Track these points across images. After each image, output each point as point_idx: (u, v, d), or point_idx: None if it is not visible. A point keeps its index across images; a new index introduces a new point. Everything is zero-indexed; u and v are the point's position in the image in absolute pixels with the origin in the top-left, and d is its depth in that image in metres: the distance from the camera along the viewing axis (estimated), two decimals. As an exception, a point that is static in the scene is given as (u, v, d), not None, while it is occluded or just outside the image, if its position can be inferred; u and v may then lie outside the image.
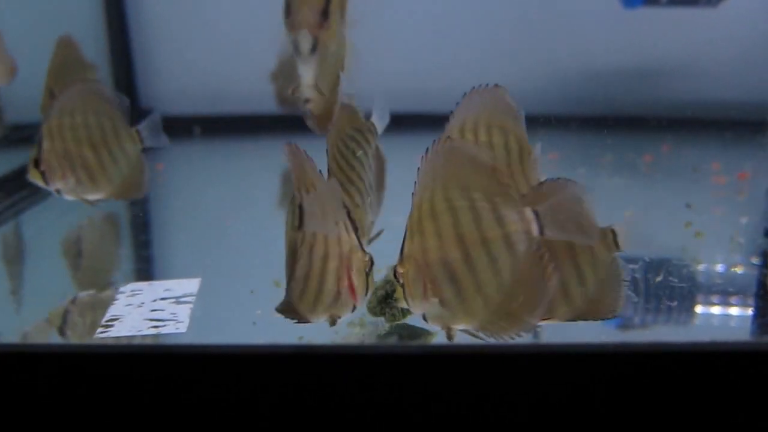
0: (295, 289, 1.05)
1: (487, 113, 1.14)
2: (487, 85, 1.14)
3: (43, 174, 1.57)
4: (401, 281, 1.04)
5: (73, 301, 1.42)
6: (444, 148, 1.01)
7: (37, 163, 1.56)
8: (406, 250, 1.03)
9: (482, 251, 0.99)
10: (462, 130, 1.14)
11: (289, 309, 1.06)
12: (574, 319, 1.07)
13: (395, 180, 1.34)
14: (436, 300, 1.01)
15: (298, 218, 1.05)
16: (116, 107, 1.60)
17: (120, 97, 1.62)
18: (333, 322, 1.08)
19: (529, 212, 0.99)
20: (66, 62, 1.81)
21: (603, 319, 1.08)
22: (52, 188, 1.58)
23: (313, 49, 0.96)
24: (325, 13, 0.94)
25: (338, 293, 1.05)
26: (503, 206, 1.00)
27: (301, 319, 1.07)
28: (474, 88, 1.14)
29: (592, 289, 1.06)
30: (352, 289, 1.05)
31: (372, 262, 1.08)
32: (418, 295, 1.02)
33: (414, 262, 1.02)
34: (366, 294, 1.08)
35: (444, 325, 1.04)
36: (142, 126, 1.62)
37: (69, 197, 1.60)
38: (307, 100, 1.00)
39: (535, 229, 0.99)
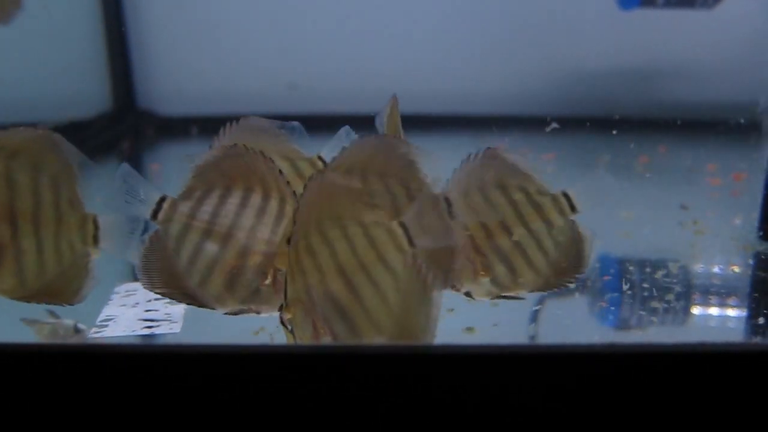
0: (194, 274, 1.07)
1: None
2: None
3: None
4: (290, 327, 0.99)
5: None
6: (315, 184, 0.96)
7: None
8: (289, 293, 0.97)
9: (363, 277, 0.95)
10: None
11: (180, 294, 1.07)
12: (543, 289, 1.09)
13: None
14: (328, 338, 0.96)
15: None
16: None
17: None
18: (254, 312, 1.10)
19: (396, 227, 0.96)
20: None
21: (569, 283, 1.10)
22: None
23: None
24: None
25: (257, 290, 1.07)
26: (373, 228, 0.96)
27: (202, 306, 1.08)
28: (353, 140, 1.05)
29: (554, 253, 1.07)
30: (275, 287, 1.06)
31: None
32: (308, 337, 0.97)
33: (299, 303, 0.97)
34: None
35: None
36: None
37: None
38: None
39: (406, 243, 0.95)
